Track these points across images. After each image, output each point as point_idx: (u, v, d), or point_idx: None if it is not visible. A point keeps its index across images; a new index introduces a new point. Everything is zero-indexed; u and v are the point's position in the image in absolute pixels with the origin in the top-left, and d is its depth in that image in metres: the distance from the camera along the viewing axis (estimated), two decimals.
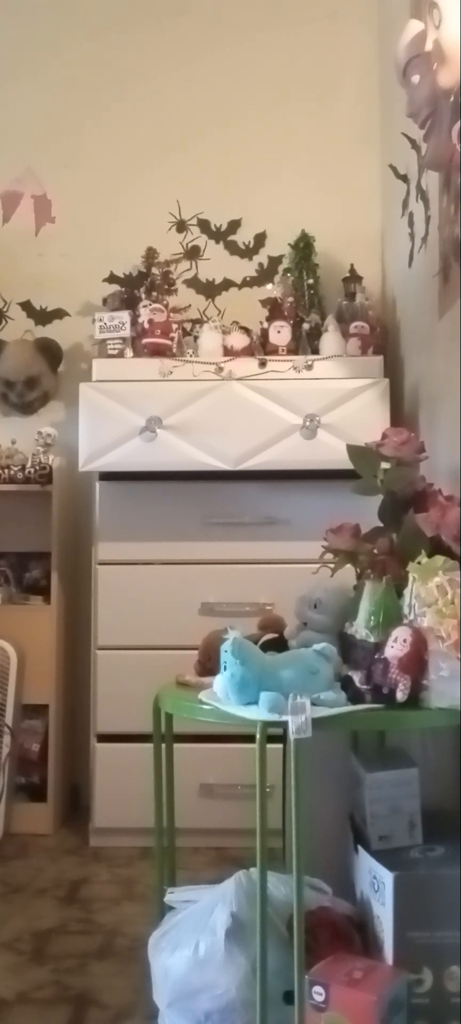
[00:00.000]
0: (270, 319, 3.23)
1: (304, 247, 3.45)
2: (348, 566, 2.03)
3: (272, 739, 1.63)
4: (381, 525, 2.08)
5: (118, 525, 3.08)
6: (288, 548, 2.98)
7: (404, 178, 2.95)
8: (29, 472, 3.27)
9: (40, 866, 2.87)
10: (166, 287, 3.40)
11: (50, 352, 3.56)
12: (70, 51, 3.71)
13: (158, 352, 3.15)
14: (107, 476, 3.08)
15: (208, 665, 1.96)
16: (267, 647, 1.84)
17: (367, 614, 1.79)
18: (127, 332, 3.20)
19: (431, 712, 1.64)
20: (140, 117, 3.69)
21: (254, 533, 3.04)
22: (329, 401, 2.98)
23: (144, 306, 3.24)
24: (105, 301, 3.39)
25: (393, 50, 2.09)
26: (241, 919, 1.71)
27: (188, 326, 3.35)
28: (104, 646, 3.05)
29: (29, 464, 3.28)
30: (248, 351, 3.15)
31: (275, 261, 3.61)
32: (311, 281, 3.40)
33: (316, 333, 3.20)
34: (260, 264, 3.64)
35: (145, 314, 3.21)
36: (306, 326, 3.22)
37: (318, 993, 1.56)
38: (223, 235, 3.68)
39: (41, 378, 3.55)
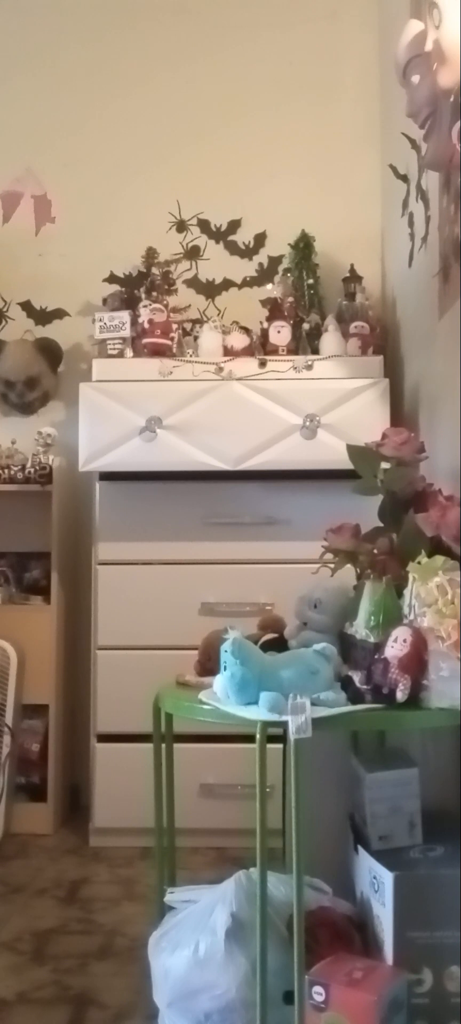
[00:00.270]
0: (270, 319, 3.23)
1: (304, 247, 3.45)
2: (348, 566, 2.03)
3: (272, 739, 1.63)
4: (381, 525, 2.08)
5: (118, 525, 3.08)
6: (288, 548, 2.98)
7: (404, 178, 2.95)
8: (29, 472, 3.27)
9: (40, 866, 2.87)
10: (166, 287, 3.40)
11: (50, 352, 3.56)
12: (70, 51, 3.71)
13: (158, 352, 3.15)
14: (107, 476, 3.08)
15: (208, 665, 1.96)
16: (267, 647, 1.84)
17: (367, 614, 1.79)
18: (127, 332, 3.20)
19: (431, 712, 1.64)
20: (140, 117, 3.69)
21: (254, 533, 3.04)
22: (329, 401, 2.98)
23: (144, 306, 3.24)
24: (105, 301, 3.38)
25: (393, 50, 2.08)
26: (241, 919, 1.71)
27: (188, 326, 3.35)
28: (104, 646, 3.05)
29: (29, 464, 3.28)
30: (248, 351, 3.15)
31: (275, 261, 3.61)
32: (311, 281, 3.40)
33: (316, 333, 3.20)
34: (260, 264, 3.65)
35: (145, 314, 3.21)
36: (306, 326, 3.22)
37: (318, 993, 1.56)
38: (223, 235, 3.68)
39: (41, 378, 3.55)
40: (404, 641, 1.67)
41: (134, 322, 3.22)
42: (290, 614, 2.00)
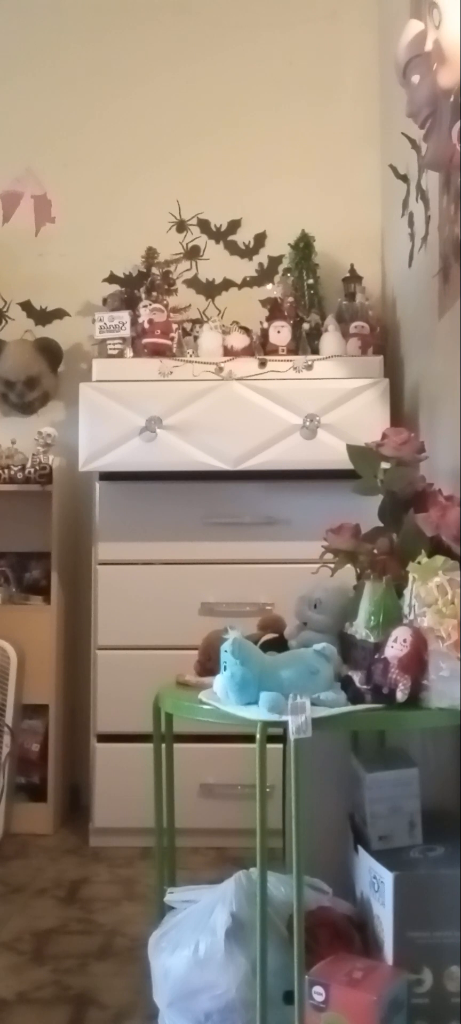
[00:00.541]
0: (270, 319, 3.23)
1: (304, 247, 3.45)
2: (348, 566, 2.03)
3: (272, 739, 1.63)
4: (381, 525, 2.08)
5: (118, 525, 3.08)
6: (288, 548, 2.98)
7: (404, 178, 2.95)
8: (29, 472, 3.27)
9: (40, 866, 2.87)
10: (166, 287, 3.40)
11: (50, 352, 3.56)
12: (70, 51, 3.71)
13: (158, 352, 3.15)
14: (107, 476, 3.08)
15: (208, 665, 1.96)
16: (267, 647, 1.84)
17: (367, 614, 1.79)
18: (127, 332, 3.20)
19: (431, 712, 1.64)
20: (140, 117, 3.69)
21: (254, 533, 3.04)
22: (329, 401, 2.98)
23: (144, 306, 3.24)
24: (105, 301, 3.39)
25: (393, 50, 2.08)
26: (241, 919, 1.71)
27: (188, 326, 3.35)
28: (104, 646, 3.05)
29: (29, 464, 3.28)
30: (248, 351, 3.15)
31: (275, 261, 3.61)
32: (311, 281, 3.40)
33: (316, 333, 3.20)
34: (260, 264, 3.64)
35: (145, 314, 3.21)
36: (306, 326, 3.22)
37: (318, 993, 1.56)
38: (223, 235, 3.68)
39: (41, 378, 3.55)
40: (404, 641, 1.67)
41: (134, 322, 3.22)
42: (290, 614, 2.00)
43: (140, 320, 3.21)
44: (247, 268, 3.65)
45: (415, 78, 1.98)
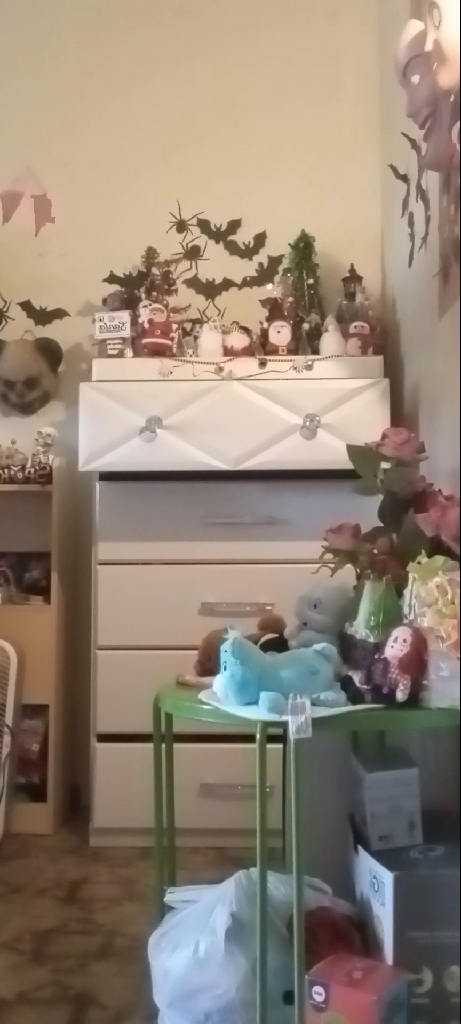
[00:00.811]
0: (270, 319, 3.23)
1: (304, 247, 3.45)
2: (348, 566, 2.03)
3: (272, 739, 1.63)
4: (381, 525, 2.08)
5: (118, 525, 3.08)
6: (288, 548, 2.98)
7: (404, 178, 2.95)
8: (29, 472, 3.27)
9: (40, 866, 2.87)
10: (166, 287, 3.40)
11: (50, 352, 3.56)
12: (70, 51, 3.71)
13: (158, 352, 3.15)
14: (107, 476, 3.08)
15: (208, 665, 1.96)
16: (267, 647, 1.84)
17: (367, 614, 1.79)
18: (127, 332, 3.20)
19: (431, 712, 1.64)
20: (140, 117, 3.69)
21: (254, 533, 3.04)
22: (329, 401, 2.98)
23: (144, 306, 3.24)
24: (105, 301, 3.39)
25: (393, 50, 2.08)
26: (241, 919, 1.71)
27: (188, 326, 3.35)
28: (104, 646, 3.05)
29: (29, 464, 3.28)
30: (248, 351, 3.15)
31: (275, 261, 3.61)
32: (311, 281, 3.40)
33: (316, 333, 3.20)
34: (260, 264, 3.64)
35: (145, 314, 3.21)
36: (306, 326, 3.22)
37: (318, 993, 1.56)
38: (223, 235, 3.68)
39: (41, 378, 3.55)
40: (404, 641, 1.67)
41: (134, 322, 3.22)
42: (290, 614, 2.00)
43: (140, 320, 3.21)
44: (247, 268, 3.65)
45: (415, 78, 1.98)
